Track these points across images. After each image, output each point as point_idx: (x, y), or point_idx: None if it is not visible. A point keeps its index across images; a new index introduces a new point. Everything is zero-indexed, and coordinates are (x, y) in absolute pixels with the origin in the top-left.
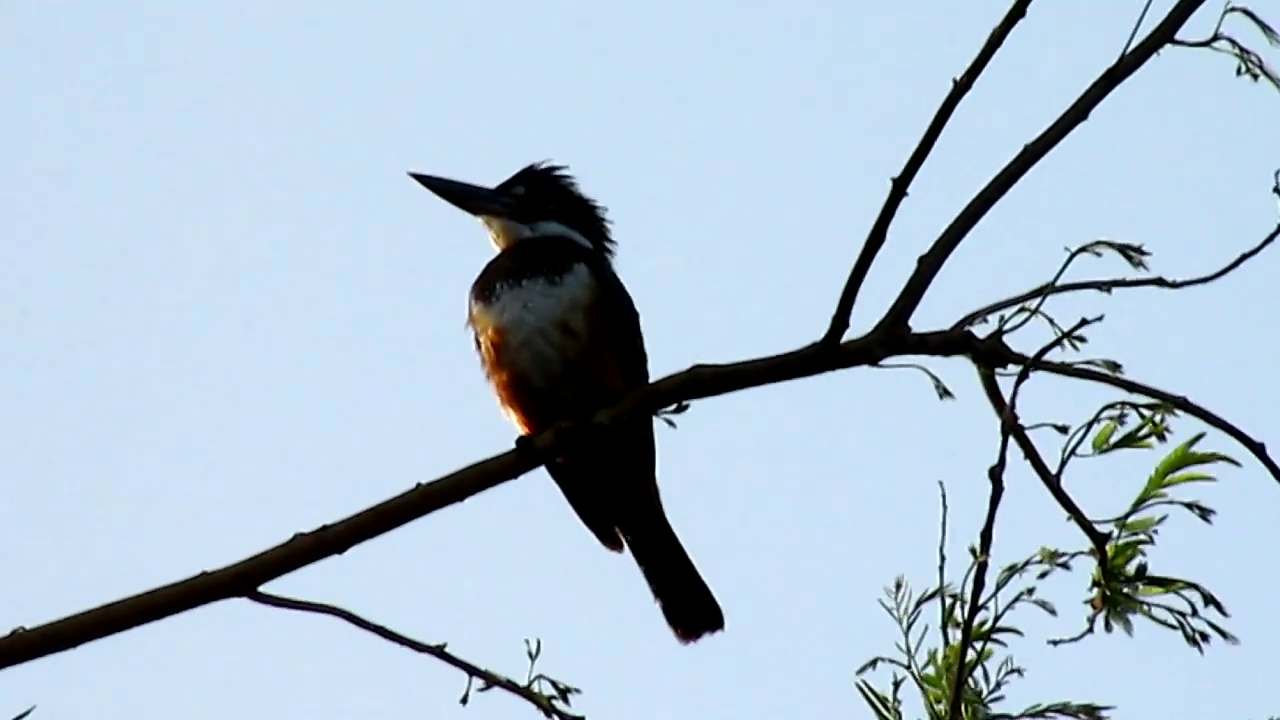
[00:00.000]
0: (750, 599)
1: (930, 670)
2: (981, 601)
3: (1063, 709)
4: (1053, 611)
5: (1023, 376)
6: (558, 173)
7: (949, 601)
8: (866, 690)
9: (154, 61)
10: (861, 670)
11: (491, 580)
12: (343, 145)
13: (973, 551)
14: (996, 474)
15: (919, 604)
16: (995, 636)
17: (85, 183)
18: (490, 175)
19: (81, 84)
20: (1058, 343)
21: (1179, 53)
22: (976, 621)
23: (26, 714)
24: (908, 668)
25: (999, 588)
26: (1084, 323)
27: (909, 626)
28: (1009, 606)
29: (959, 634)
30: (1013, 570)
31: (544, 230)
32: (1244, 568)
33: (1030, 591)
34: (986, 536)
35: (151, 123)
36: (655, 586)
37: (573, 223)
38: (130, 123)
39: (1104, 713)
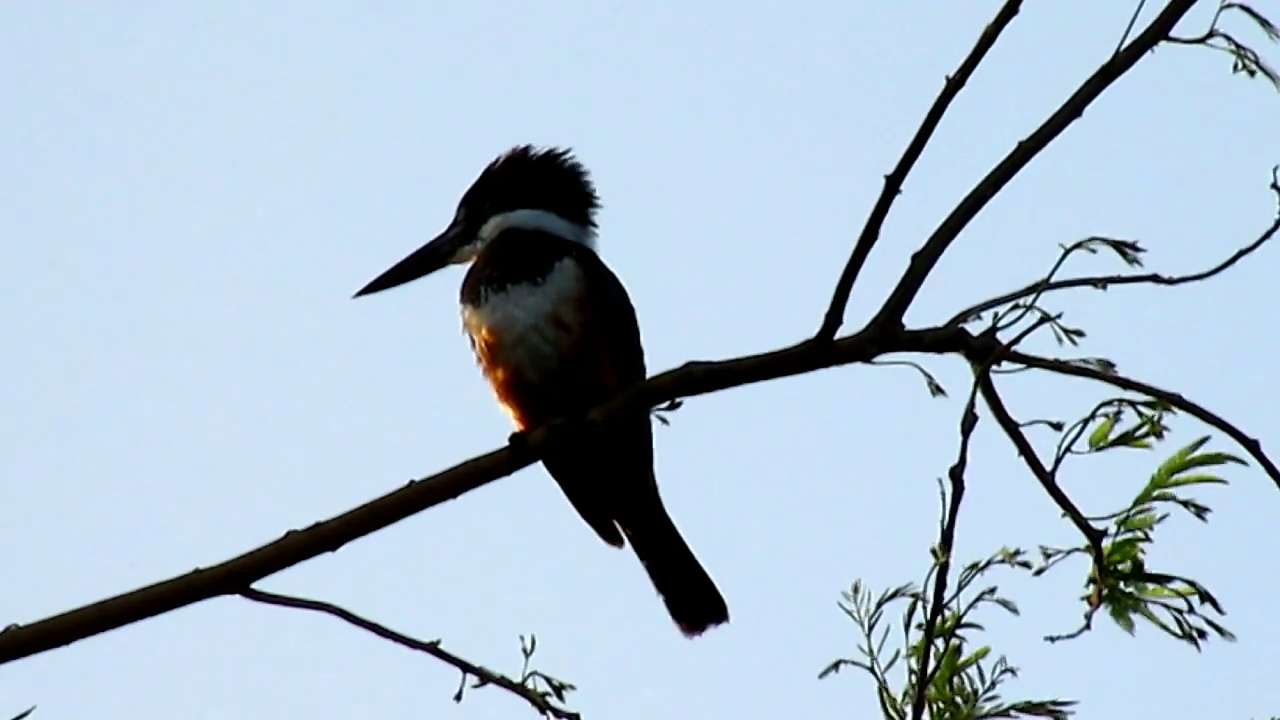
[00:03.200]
0: (743, 596)
1: (908, 667)
2: (955, 602)
3: (1026, 707)
4: (1014, 611)
5: (988, 367)
6: (491, 167)
7: (925, 603)
8: (882, 688)
9: (140, 61)
10: (824, 674)
11: (485, 577)
12: (336, 141)
13: (933, 552)
14: (957, 474)
15: (879, 605)
16: (959, 632)
17: (81, 183)
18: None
19: (71, 86)
20: (1032, 330)
21: (1174, 49)
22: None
23: (27, 714)
24: (871, 669)
25: (961, 586)
26: (1052, 317)
27: (871, 627)
28: (970, 606)
29: (940, 635)
30: (974, 568)
31: (491, 231)
32: (1240, 565)
33: (992, 591)
34: (948, 537)
35: (145, 119)
36: (657, 581)
37: (522, 202)
38: (125, 119)
39: (1066, 709)
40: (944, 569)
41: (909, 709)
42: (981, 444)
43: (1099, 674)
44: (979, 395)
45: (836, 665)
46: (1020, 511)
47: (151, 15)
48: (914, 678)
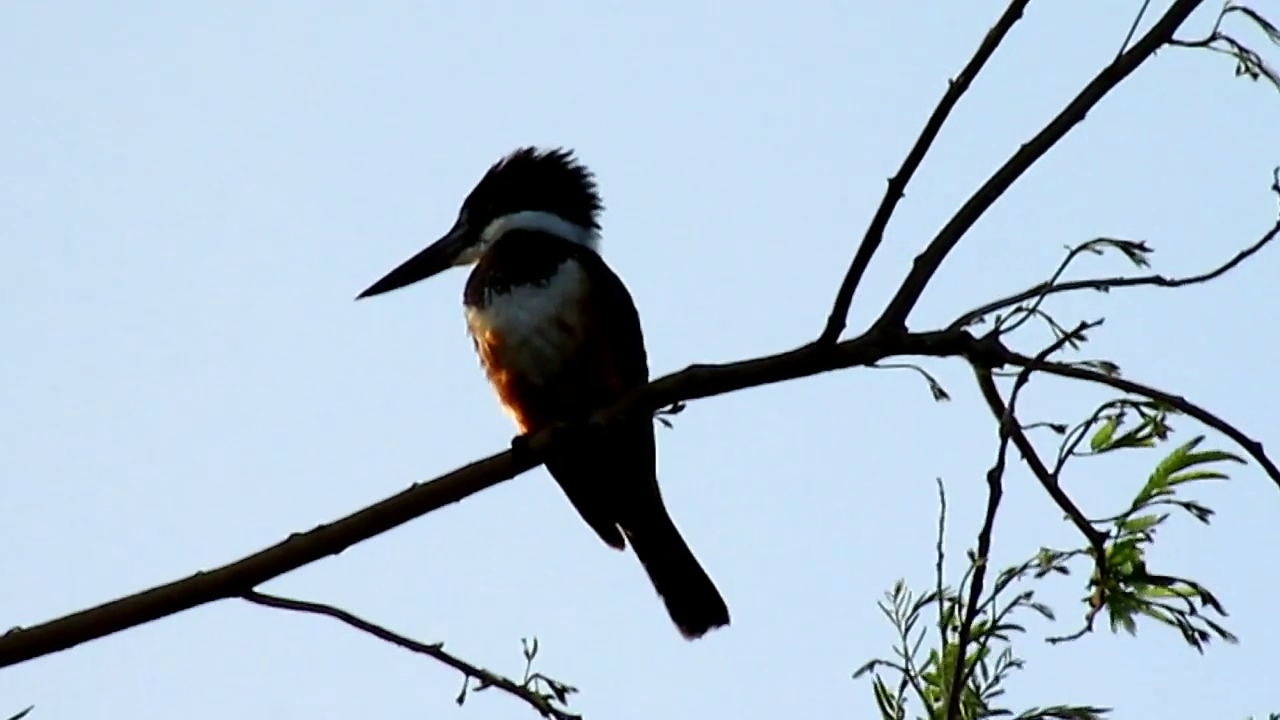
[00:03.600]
0: (747, 599)
1: (931, 670)
2: (981, 604)
3: (1058, 712)
4: (1050, 615)
5: (1022, 379)
6: (494, 169)
7: (948, 604)
8: (877, 686)
9: (142, 62)
10: (859, 673)
11: (488, 580)
12: (339, 143)
13: (971, 555)
14: (995, 477)
15: (917, 607)
16: (995, 633)
17: (83, 185)
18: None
19: (71, 86)
20: (1059, 345)
21: (1177, 51)
22: (977, 623)
23: (24, 714)
24: (905, 670)
25: (997, 590)
26: (1084, 326)
27: (907, 629)
28: (1007, 610)
29: (958, 635)
30: (1011, 573)
31: (494, 233)
32: (1242, 567)
33: (1028, 595)
34: (985, 539)
35: (146, 120)
36: (658, 583)
37: (525, 204)
38: (126, 119)
39: (1100, 715)
40: (980, 572)
41: (905, 708)
42: (982, 446)
43: (1099, 674)
44: (981, 398)
45: (871, 665)
46: (1021, 512)
47: (152, 15)
48: (944, 682)
